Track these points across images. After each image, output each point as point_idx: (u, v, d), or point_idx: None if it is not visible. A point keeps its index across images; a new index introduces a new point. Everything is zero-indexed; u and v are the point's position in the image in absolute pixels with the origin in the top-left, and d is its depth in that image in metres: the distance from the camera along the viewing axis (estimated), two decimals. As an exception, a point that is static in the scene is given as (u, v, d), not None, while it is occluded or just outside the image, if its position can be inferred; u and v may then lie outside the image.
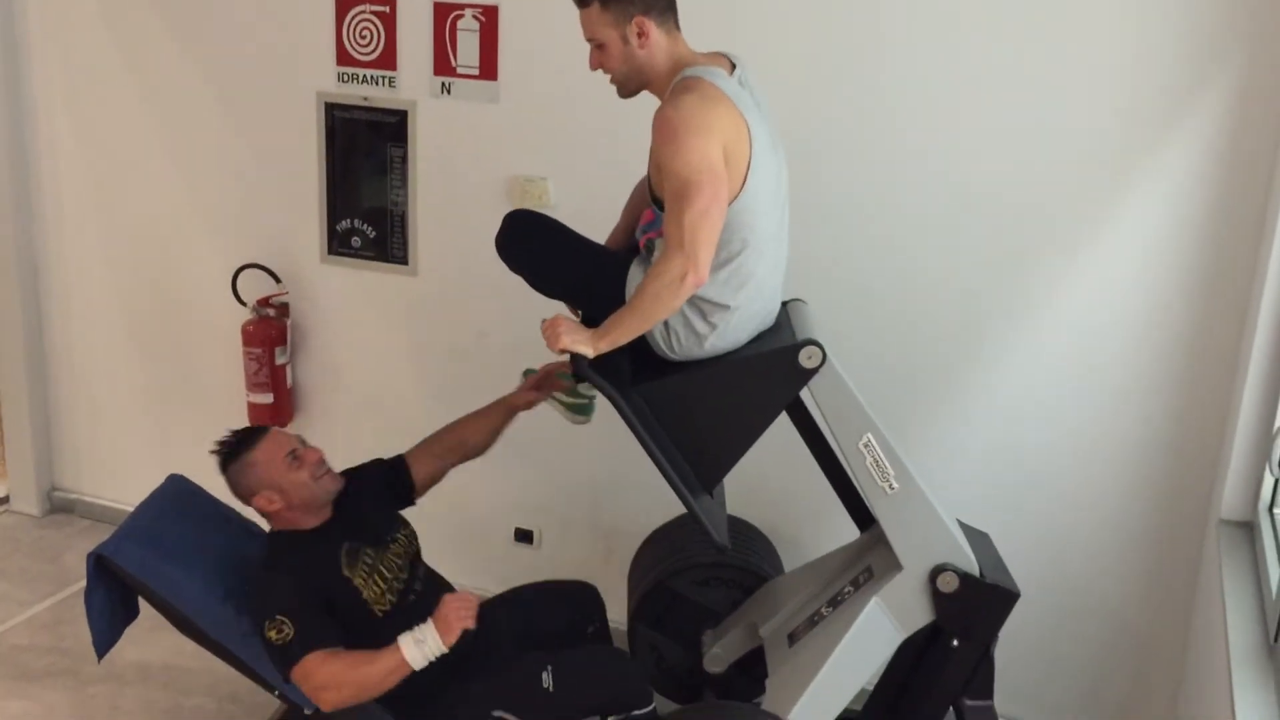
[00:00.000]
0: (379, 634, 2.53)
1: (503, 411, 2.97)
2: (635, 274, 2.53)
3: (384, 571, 2.69)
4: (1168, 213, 2.92)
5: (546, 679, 2.57)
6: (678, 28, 2.47)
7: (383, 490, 2.88)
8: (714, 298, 2.42)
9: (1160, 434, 3.05)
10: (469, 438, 2.97)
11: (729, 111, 2.33)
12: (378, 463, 2.92)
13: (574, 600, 2.98)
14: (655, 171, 2.41)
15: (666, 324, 2.46)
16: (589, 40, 2.47)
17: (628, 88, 2.50)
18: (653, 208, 2.48)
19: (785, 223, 2.55)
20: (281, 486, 2.66)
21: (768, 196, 2.42)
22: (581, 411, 2.76)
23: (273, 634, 2.48)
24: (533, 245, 2.64)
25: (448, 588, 2.83)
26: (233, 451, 2.72)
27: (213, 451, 2.75)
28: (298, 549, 2.67)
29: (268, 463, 2.68)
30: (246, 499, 2.70)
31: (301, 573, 2.59)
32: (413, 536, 2.86)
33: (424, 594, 2.72)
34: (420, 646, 2.46)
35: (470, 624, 2.48)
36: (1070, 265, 3.03)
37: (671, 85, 2.40)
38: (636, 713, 2.56)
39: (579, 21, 2.46)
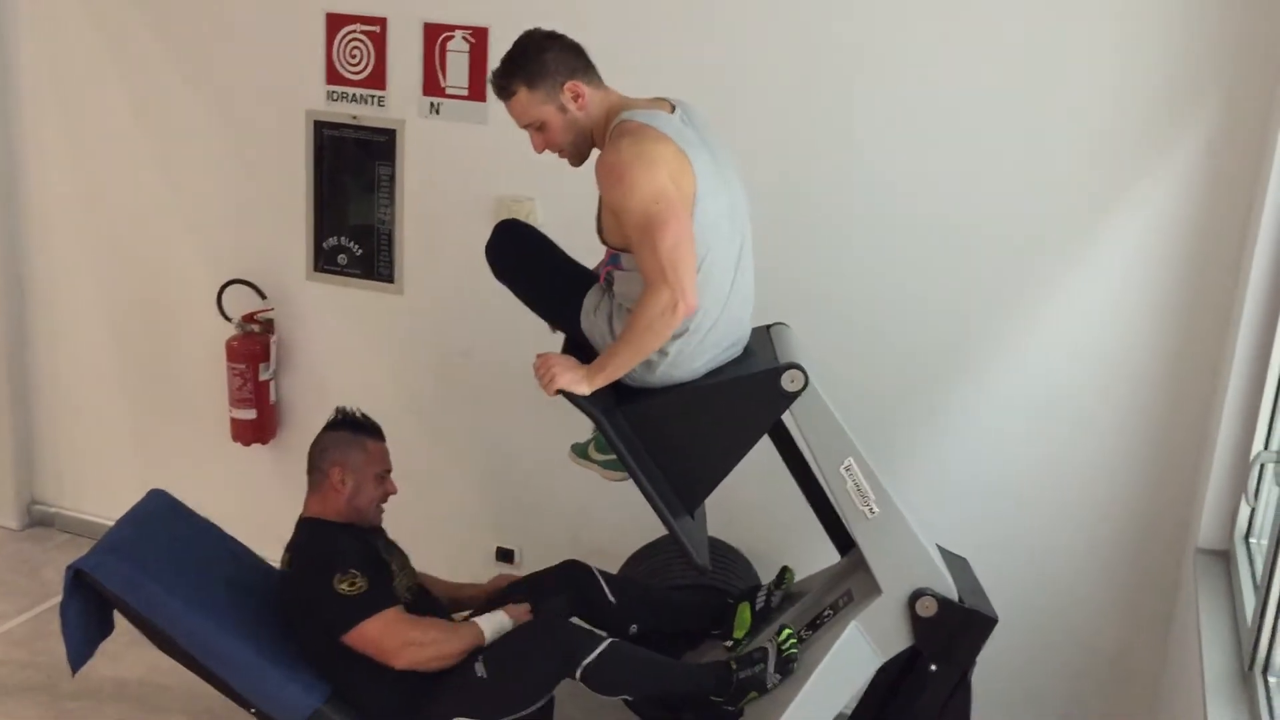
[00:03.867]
0: None
1: (473, 594, 3.03)
2: (590, 300, 2.55)
3: (407, 572, 2.84)
4: (1146, 242, 2.94)
5: (479, 669, 2.58)
6: (600, 78, 2.50)
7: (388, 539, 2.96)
8: None
9: (1138, 463, 3.07)
10: (435, 590, 3.00)
11: (668, 147, 2.35)
12: None
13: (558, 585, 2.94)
14: (609, 217, 2.43)
15: None
16: (526, 127, 2.48)
17: (580, 153, 2.53)
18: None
19: (746, 254, 2.55)
20: (361, 484, 2.79)
21: (719, 228, 2.43)
22: (618, 467, 2.75)
23: (344, 586, 2.57)
24: (521, 256, 2.66)
25: (438, 603, 2.89)
26: (358, 427, 2.87)
27: (340, 409, 2.90)
28: (342, 530, 2.76)
29: (371, 458, 2.83)
30: (329, 462, 2.78)
31: (354, 543, 2.71)
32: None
33: (426, 606, 2.80)
34: (499, 631, 2.64)
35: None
36: (1049, 294, 3.05)
37: (608, 132, 2.42)
38: (588, 660, 2.53)
39: (509, 113, 2.47)
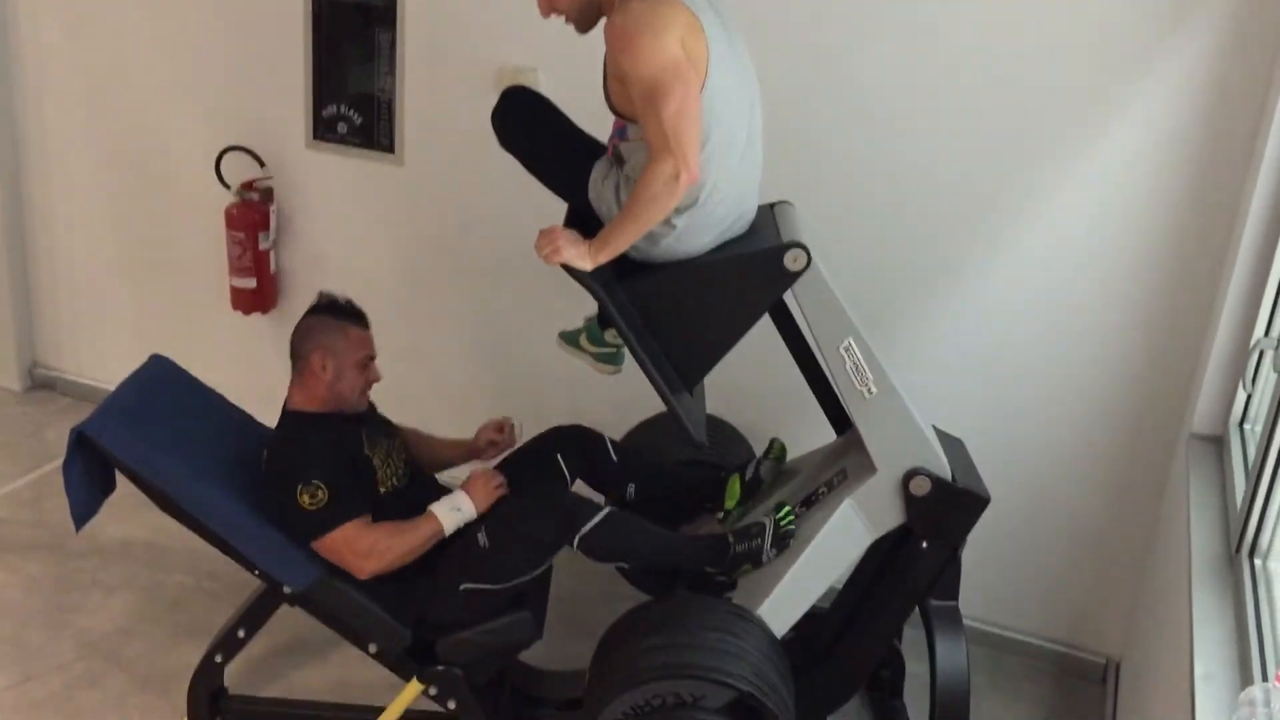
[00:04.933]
0: (380, 512, 2.65)
1: (462, 454, 3.00)
2: (598, 171, 2.52)
3: (394, 459, 2.80)
4: (1154, 128, 2.90)
5: (481, 539, 2.61)
6: None
7: (378, 418, 2.93)
8: None
9: (1137, 347, 3.07)
10: (422, 454, 2.98)
11: (680, 11, 2.29)
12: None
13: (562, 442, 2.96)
14: (615, 84, 2.38)
15: None
16: None
17: (586, 19, 2.47)
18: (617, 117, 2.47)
19: (756, 129, 2.51)
20: (342, 369, 2.73)
21: (730, 100, 2.39)
22: (610, 360, 2.74)
23: (305, 498, 2.56)
24: (528, 123, 2.62)
25: (437, 486, 2.88)
26: (340, 312, 2.79)
27: (324, 294, 2.83)
28: (320, 426, 2.72)
29: (353, 344, 2.76)
30: (309, 349, 2.73)
31: (329, 445, 2.67)
32: (404, 443, 2.93)
33: (417, 488, 2.81)
34: (456, 514, 2.63)
35: (503, 492, 2.68)
36: (1054, 177, 3.02)
37: None
38: (586, 528, 2.57)
39: None
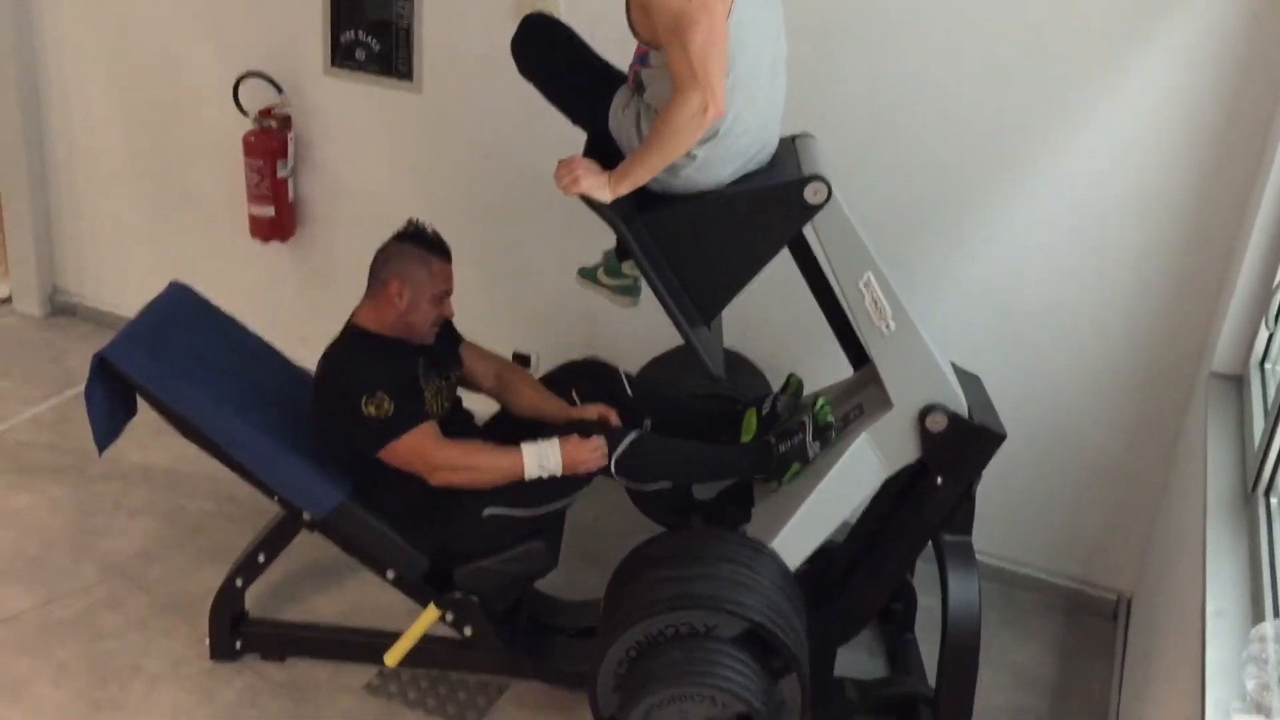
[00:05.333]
0: None
1: (555, 410, 2.86)
2: (619, 100, 2.50)
3: (443, 397, 2.78)
4: (1181, 65, 2.85)
5: None
6: None
7: (443, 347, 2.87)
8: None
9: (1158, 284, 3.05)
10: (518, 396, 2.92)
11: None
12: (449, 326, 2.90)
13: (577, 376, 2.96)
14: (638, 12, 2.35)
15: None
16: None
17: None
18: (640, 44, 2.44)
19: (780, 59, 2.48)
20: (416, 301, 2.68)
21: (756, 28, 2.36)
22: (627, 293, 2.72)
23: (371, 409, 2.55)
24: (548, 51, 2.60)
25: (474, 425, 2.89)
26: (424, 243, 2.73)
27: (412, 221, 2.77)
28: (381, 347, 2.70)
29: (433, 277, 2.70)
30: (388, 275, 2.68)
31: (390, 362, 2.65)
32: (457, 381, 2.90)
33: (455, 424, 2.79)
34: (541, 469, 2.58)
35: (594, 469, 2.62)
36: (1079, 110, 2.97)
37: None
38: (619, 452, 2.59)
39: None
